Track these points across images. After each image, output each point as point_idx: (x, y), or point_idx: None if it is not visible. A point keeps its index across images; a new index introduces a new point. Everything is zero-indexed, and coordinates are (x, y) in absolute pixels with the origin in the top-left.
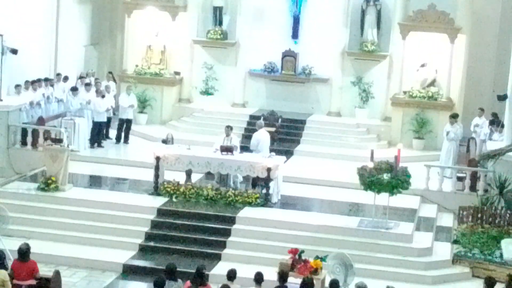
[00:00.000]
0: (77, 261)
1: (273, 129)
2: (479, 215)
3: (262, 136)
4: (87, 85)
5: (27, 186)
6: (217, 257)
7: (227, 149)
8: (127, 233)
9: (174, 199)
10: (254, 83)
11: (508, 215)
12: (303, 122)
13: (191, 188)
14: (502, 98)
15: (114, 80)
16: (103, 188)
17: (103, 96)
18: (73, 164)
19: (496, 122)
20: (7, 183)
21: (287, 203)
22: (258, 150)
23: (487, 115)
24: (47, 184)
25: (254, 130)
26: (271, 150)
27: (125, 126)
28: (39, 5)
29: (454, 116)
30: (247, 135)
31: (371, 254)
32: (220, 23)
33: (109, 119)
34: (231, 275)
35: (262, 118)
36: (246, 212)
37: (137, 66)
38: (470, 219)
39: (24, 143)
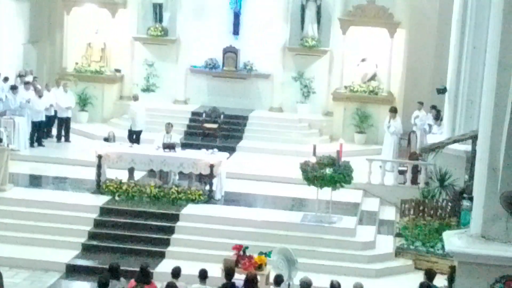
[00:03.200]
0: (19, 262)
1: (215, 126)
2: (421, 208)
3: (136, 108)
4: (26, 83)
5: None
6: (161, 255)
7: (169, 147)
8: (69, 232)
9: (116, 198)
10: (195, 79)
11: (449, 207)
12: (245, 118)
13: (133, 186)
14: (442, 91)
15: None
16: (45, 187)
17: (40, 96)
18: (14, 163)
19: (440, 117)
20: None
21: (231, 199)
22: (135, 122)
23: (427, 109)
24: None
25: (197, 127)
26: (213, 147)
27: (64, 125)
28: None
29: (393, 110)
30: (189, 132)
31: (315, 248)
32: (160, 20)
33: (50, 118)
34: (176, 272)
35: (204, 114)
36: (190, 209)
37: (77, 64)
38: (412, 212)
39: None
